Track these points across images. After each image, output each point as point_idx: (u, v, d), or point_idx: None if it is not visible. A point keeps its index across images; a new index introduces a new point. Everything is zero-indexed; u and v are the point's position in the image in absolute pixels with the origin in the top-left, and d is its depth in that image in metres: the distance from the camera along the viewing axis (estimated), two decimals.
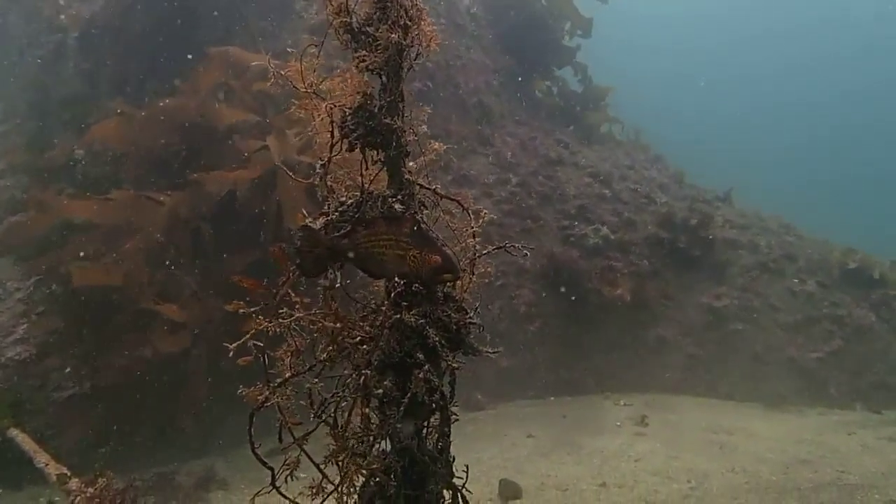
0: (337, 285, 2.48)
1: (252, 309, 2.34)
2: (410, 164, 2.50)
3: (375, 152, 2.47)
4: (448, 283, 2.41)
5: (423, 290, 2.39)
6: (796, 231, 12.48)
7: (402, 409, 2.30)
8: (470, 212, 2.62)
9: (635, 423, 8.10)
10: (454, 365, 2.39)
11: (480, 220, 2.62)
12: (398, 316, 2.32)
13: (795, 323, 10.31)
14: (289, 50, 2.60)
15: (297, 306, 2.38)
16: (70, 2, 9.58)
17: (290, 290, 2.41)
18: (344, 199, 2.50)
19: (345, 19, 2.37)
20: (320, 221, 2.45)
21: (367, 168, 2.47)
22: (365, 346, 2.35)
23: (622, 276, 10.09)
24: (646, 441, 7.50)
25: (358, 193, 2.48)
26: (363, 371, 2.31)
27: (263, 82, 8.40)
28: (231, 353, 2.28)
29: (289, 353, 2.40)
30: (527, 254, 2.64)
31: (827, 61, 58.21)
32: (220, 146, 7.52)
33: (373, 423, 2.41)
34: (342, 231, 2.34)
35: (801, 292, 10.70)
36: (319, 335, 2.38)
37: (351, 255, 2.29)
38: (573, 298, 9.90)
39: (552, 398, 9.37)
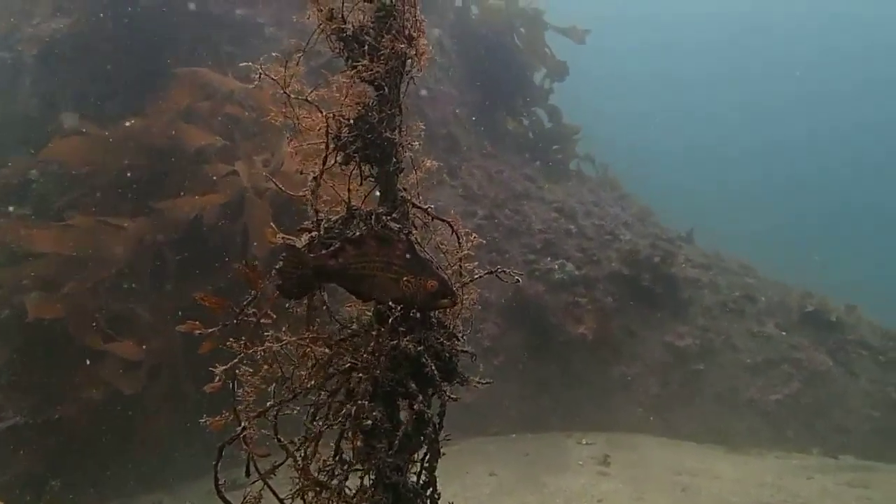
0: (323, 307, 2.36)
1: (210, 330, 2.22)
2: (404, 181, 2.40)
3: (369, 167, 2.36)
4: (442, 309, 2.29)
5: (418, 316, 2.27)
6: (755, 273, 12.67)
7: (396, 441, 2.17)
8: (459, 234, 2.53)
9: (598, 462, 7.99)
10: (453, 396, 2.28)
11: (470, 244, 2.54)
12: (395, 342, 2.17)
13: (755, 364, 10.39)
14: (274, 55, 2.45)
15: (283, 329, 2.23)
16: (28, 20, 9.27)
17: (269, 311, 2.28)
18: (325, 215, 2.37)
19: (339, 25, 2.26)
20: (303, 239, 2.31)
21: (360, 184, 2.37)
22: (359, 374, 2.19)
23: (587, 313, 10.06)
24: (609, 481, 7.40)
25: (344, 210, 2.36)
26: (360, 401, 2.16)
27: (233, 105, 8.25)
28: (206, 381, 2.13)
29: (273, 381, 2.24)
30: (518, 280, 2.54)
31: (808, 100, 60.18)
32: (188, 169, 7.31)
33: (346, 456, 2.26)
34: (330, 250, 2.19)
35: (761, 334, 10.82)
36: (304, 361, 2.22)
37: (339, 276, 2.15)
38: (538, 333, 9.82)
39: (514, 435, 9.22)
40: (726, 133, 56.85)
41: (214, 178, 7.00)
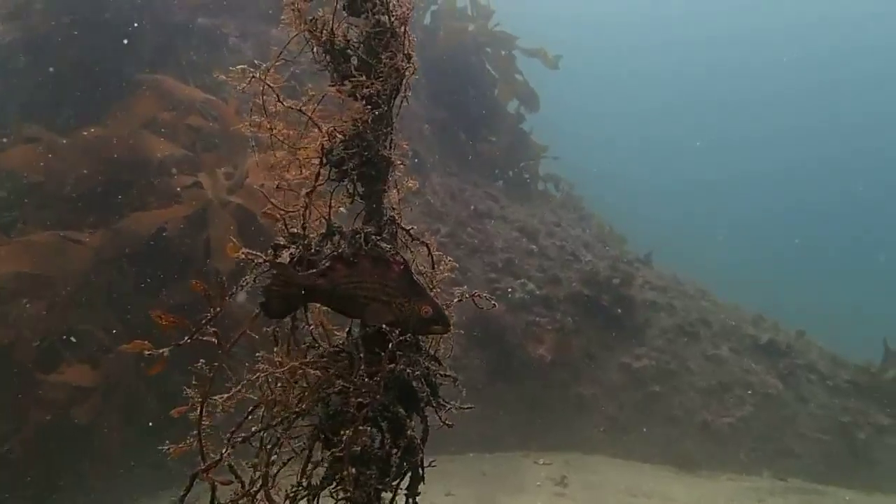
0: (311, 326, 2.30)
1: (161, 351, 2.10)
2: (391, 200, 2.38)
3: (357, 185, 2.33)
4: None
5: (410, 339, 2.21)
6: (711, 296, 12.92)
7: (393, 468, 2.15)
8: (434, 258, 2.53)
9: (555, 482, 8.01)
10: (448, 423, 2.28)
11: (445, 268, 2.54)
12: (393, 365, 2.14)
13: (709, 387, 10.55)
14: (243, 68, 2.40)
15: (275, 351, 2.18)
16: None
17: (248, 331, 2.22)
18: (298, 231, 2.31)
19: (330, 38, 2.24)
20: (284, 256, 2.23)
21: (351, 202, 2.34)
22: (356, 398, 2.13)
23: (547, 333, 10.11)
24: (565, 502, 7.40)
25: (323, 227, 2.31)
26: (359, 426, 2.10)
27: (196, 116, 8.11)
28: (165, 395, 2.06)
29: (252, 405, 2.17)
30: (494, 305, 2.52)
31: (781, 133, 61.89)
32: (150, 180, 7.13)
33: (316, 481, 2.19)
34: (319, 269, 2.13)
35: (714, 357, 11.00)
36: (292, 384, 2.15)
37: (327, 296, 2.09)
38: (498, 353, 9.82)
39: (472, 454, 9.17)
40: (691, 163, 58.20)
41: (179, 189, 6.84)
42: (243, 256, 2.23)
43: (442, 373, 2.36)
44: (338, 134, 2.28)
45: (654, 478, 8.88)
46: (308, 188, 2.33)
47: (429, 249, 2.56)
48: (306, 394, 2.21)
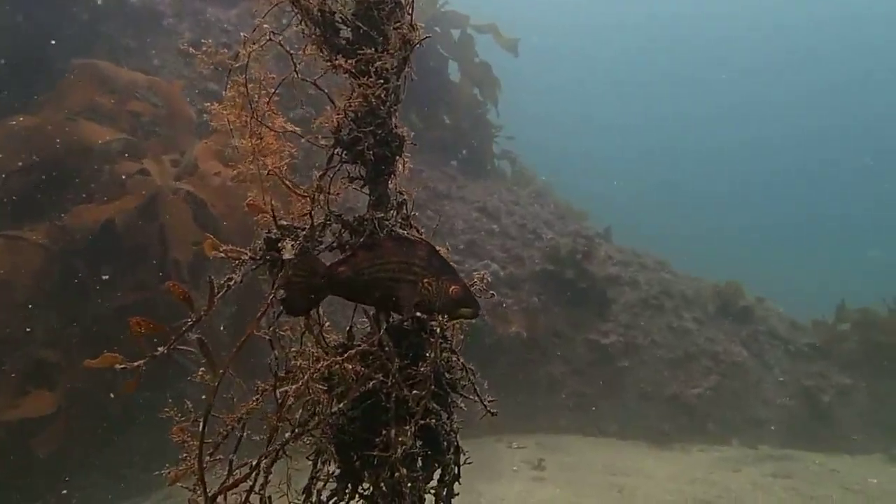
0: (326, 323, 2.13)
1: (137, 363, 1.89)
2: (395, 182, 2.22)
3: (359, 168, 2.17)
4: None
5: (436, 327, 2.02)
6: (670, 268, 12.91)
7: (441, 468, 2.03)
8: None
9: (532, 466, 7.84)
10: (493, 411, 2.15)
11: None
12: (433, 355, 1.96)
13: (676, 359, 10.54)
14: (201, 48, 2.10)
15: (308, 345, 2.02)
16: None
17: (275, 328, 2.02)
18: (288, 221, 2.12)
19: (321, 7, 2.06)
20: (290, 248, 1.99)
21: (363, 185, 2.18)
22: (395, 393, 1.96)
23: (513, 314, 9.90)
24: (545, 486, 7.24)
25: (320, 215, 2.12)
26: (402, 427, 1.93)
27: (137, 101, 7.58)
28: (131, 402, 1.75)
29: (306, 406, 2.01)
30: (493, 295, 2.37)
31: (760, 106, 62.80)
32: (93, 168, 6.58)
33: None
34: (340, 258, 1.97)
35: (679, 328, 10.99)
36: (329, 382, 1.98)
37: (350, 285, 1.92)
38: (463, 336, 9.58)
39: None
40: (628, 139, 58.97)
41: (124, 177, 6.32)
42: (223, 255, 2.04)
43: (461, 365, 2.20)
44: (350, 111, 2.12)
45: (629, 454, 8.81)
46: (325, 171, 2.16)
47: (421, 237, 2.38)
48: (345, 392, 2.03)
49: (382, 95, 2.08)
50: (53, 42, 8.45)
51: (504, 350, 9.70)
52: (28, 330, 5.84)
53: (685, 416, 10.04)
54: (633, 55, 63.67)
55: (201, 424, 1.99)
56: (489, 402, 2.21)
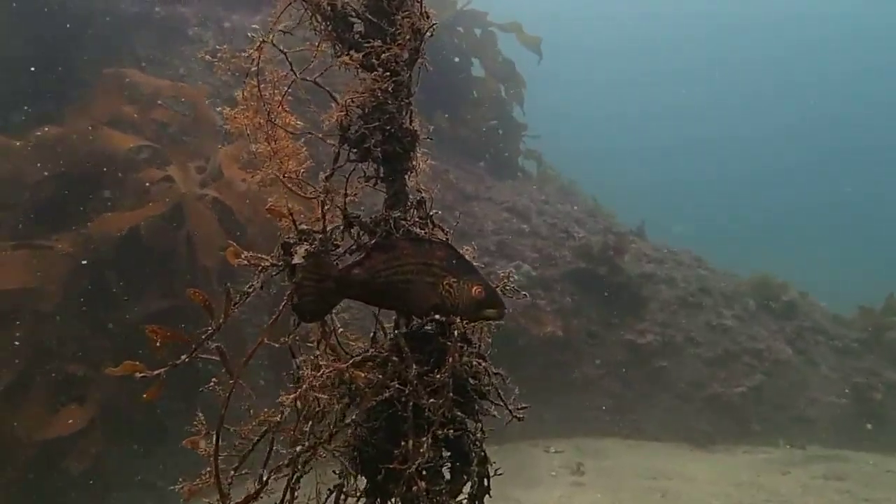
0: (340, 329, 2.04)
1: (157, 372, 1.86)
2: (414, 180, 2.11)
3: (375, 166, 2.06)
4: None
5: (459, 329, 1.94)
6: (706, 265, 12.55)
7: (467, 482, 1.91)
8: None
9: (571, 471, 7.61)
10: (519, 416, 2.02)
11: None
12: (452, 359, 1.85)
13: (717, 358, 10.20)
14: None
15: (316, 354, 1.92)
16: None
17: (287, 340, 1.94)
18: (308, 227, 2.04)
19: (333, 3, 1.95)
20: (300, 252, 1.90)
21: (375, 185, 2.08)
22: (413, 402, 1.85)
23: (547, 314, 9.67)
24: (585, 492, 7.01)
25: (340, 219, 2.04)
26: (426, 437, 1.81)
27: (162, 110, 7.57)
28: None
29: (315, 418, 1.89)
30: (526, 295, 2.27)
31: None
32: (117, 177, 6.56)
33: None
34: (355, 260, 1.87)
35: (719, 326, 10.64)
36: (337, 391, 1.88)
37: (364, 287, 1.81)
38: (495, 338, 9.37)
39: None
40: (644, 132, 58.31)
41: (147, 185, 6.27)
42: (246, 262, 1.99)
43: (490, 370, 2.06)
44: (355, 107, 2.01)
45: (669, 457, 8.52)
46: (332, 172, 2.06)
47: (446, 237, 2.26)
48: (356, 402, 1.93)
49: (391, 89, 1.97)
50: (79, 53, 8.50)
51: (537, 352, 9.46)
52: (56, 342, 5.79)
53: (727, 416, 9.69)
54: (658, 45, 62.93)
55: (214, 437, 1.90)
56: (522, 408, 2.07)
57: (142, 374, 1.86)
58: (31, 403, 5.57)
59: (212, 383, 1.92)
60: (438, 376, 1.82)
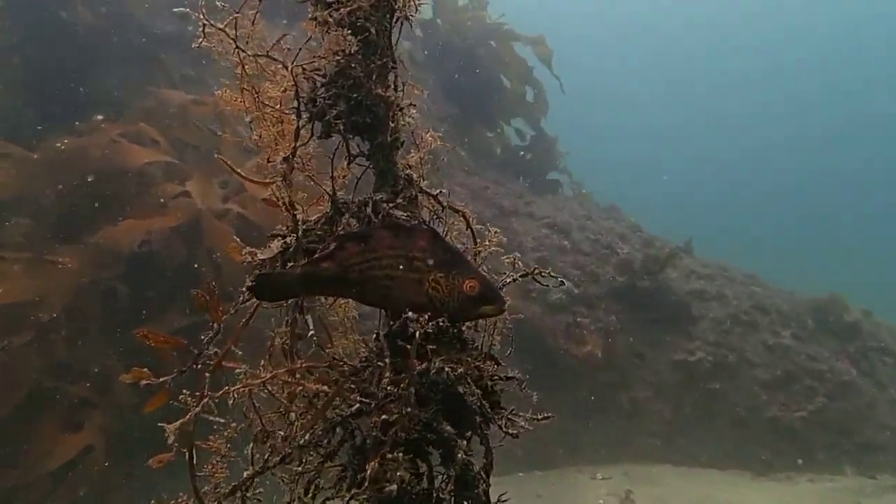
0: (310, 333, 1.86)
1: (162, 379, 1.76)
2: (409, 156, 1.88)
3: (358, 141, 1.82)
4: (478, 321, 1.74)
5: (448, 329, 1.63)
6: (761, 281, 11.91)
7: None
8: (474, 229, 2.06)
9: (619, 500, 7.10)
10: (512, 433, 1.70)
11: (488, 242, 2.05)
12: (424, 366, 1.55)
13: (775, 380, 9.55)
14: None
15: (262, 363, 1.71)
16: None
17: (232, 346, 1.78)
18: (301, 215, 1.84)
19: None
20: (275, 246, 1.79)
21: (348, 164, 1.82)
22: (381, 417, 1.56)
23: (589, 334, 9.18)
24: None
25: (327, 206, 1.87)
26: (388, 454, 1.51)
27: (186, 124, 7.44)
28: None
29: (258, 438, 1.74)
30: (563, 282, 2.13)
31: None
32: (133, 192, 6.40)
33: None
34: (324, 252, 1.60)
35: (777, 346, 9.99)
36: (292, 405, 1.68)
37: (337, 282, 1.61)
38: (537, 359, 8.91)
39: (520, 473, 8.25)
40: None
41: (162, 200, 6.09)
42: (249, 258, 1.85)
43: (501, 374, 1.78)
44: (313, 74, 1.80)
45: (726, 486, 7.92)
46: (293, 151, 1.83)
47: (465, 219, 2.09)
48: (310, 419, 1.69)
49: (353, 50, 1.72)
50: (111, 71, 8.48)
51: (581, 373, 8.98)
52: (67, 357, 5.59)
53: (788, 442, 9.03)
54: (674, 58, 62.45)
55: (187, 454, 1.77)
56: (544, 418, 1.81)
57: (146, 382, 1.76)
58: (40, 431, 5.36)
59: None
60: (402, 386, 1.53)
